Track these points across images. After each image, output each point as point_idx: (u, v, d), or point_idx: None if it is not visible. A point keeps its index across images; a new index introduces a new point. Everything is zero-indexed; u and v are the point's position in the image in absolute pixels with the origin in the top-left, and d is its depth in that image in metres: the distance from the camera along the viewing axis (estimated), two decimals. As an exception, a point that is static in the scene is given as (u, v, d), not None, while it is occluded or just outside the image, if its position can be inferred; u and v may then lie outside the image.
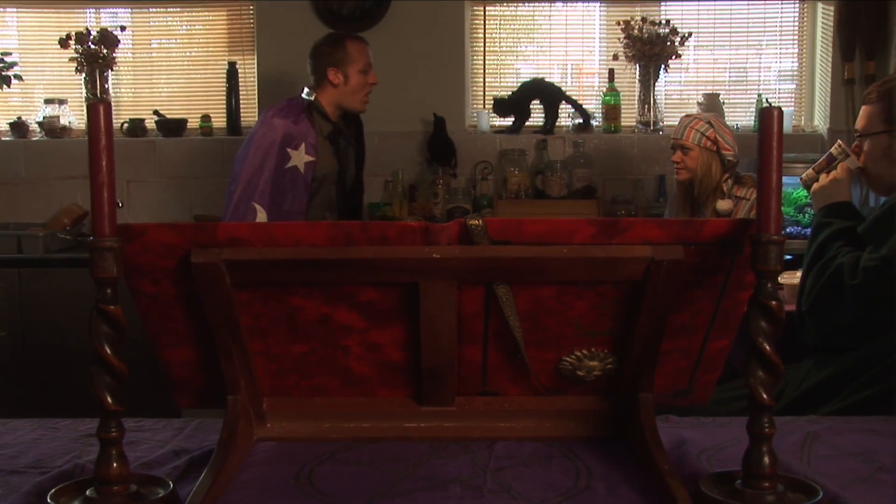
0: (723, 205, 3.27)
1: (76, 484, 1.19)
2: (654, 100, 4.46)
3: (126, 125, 4.59)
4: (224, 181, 4.58)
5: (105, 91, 4.52)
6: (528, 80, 4.52)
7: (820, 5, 4.59)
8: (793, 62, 4.73)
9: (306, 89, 3.49)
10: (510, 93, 4.48)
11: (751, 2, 4.66)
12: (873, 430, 1.43)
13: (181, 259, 1.20)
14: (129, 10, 4.73)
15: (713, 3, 4.67)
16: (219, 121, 4.64)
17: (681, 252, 1.19)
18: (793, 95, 4.74)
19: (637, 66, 4.44)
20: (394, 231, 1.19)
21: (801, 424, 1.45)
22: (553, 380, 1.36)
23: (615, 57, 4.47)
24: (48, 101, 4.61)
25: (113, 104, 4.55)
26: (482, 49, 4.66)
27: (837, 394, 2.00)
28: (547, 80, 4.51)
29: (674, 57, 4.41)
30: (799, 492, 1.14)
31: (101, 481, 1.12)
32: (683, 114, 3.58)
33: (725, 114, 4.34)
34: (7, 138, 4.63)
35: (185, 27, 4.79)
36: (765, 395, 1.11)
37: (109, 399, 1.11)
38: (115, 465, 1.12)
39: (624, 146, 4.51)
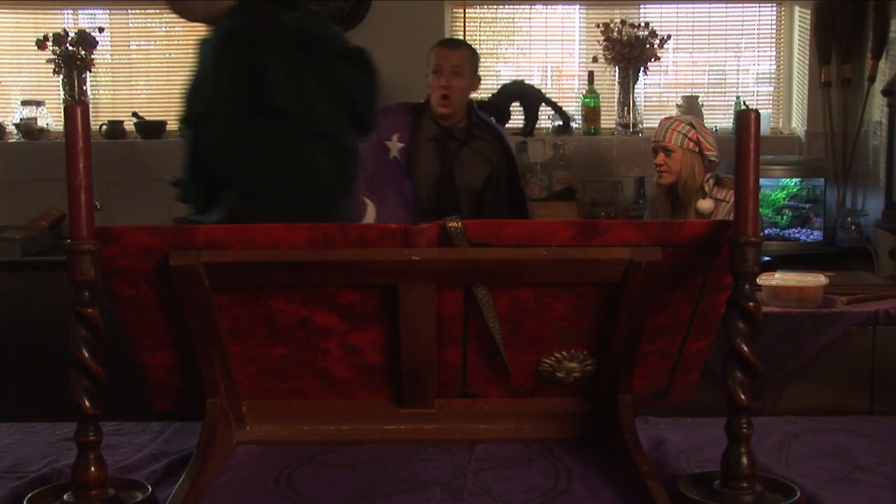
0: (704, 204, 3.28)
1: (53, 489, 1.18)
2: (634, 102, 4.48)
3: (105, 127, 4.56)
4: (203, 183, 4.57)
5: (83, 93, 4.49)
6: (508, 82, 4.52)
7: (797, 9, 4.62)
8: (771, 65, 4.76)
9: None
10: (490, 95, 4.48)
11: (729, 5, 4.69)
12: (850, 430, 1.44)
13: (160, 262, 1.19)
14: (108, 11, 4.70)
15: (692, 5, 4.69)
16: (198, 123, 4.62)
17: (659, 254, 1.19)
18: (770, 98, 4.77)
19: (616, 68, 4.45)
20: (373, 233, 1.19)
21: (778, 425, 1.46)
22: (533, 381, 1.36)
23: (595, 59, 4.49)
24: (25, 103, 4.58)
25: (91, 106, 4.53)
26: (462, 51, 4.66)
27: None
28: (527, 82, 4.52)
29: (653, 59, 4.43)
30: (777, 492, 1.15)
31: (79, 486, 1.12)
32: (663, 116, 3.59)
33: (704, 116, 4.35)
34: (-16, 140, 4.60)
35: (163, 28, 4.76)
36: (743, 396, 1.11)
37: (87, 403, 1.10)
38: (92, 469, 1.11)
39: (603, 148, 4.52)
